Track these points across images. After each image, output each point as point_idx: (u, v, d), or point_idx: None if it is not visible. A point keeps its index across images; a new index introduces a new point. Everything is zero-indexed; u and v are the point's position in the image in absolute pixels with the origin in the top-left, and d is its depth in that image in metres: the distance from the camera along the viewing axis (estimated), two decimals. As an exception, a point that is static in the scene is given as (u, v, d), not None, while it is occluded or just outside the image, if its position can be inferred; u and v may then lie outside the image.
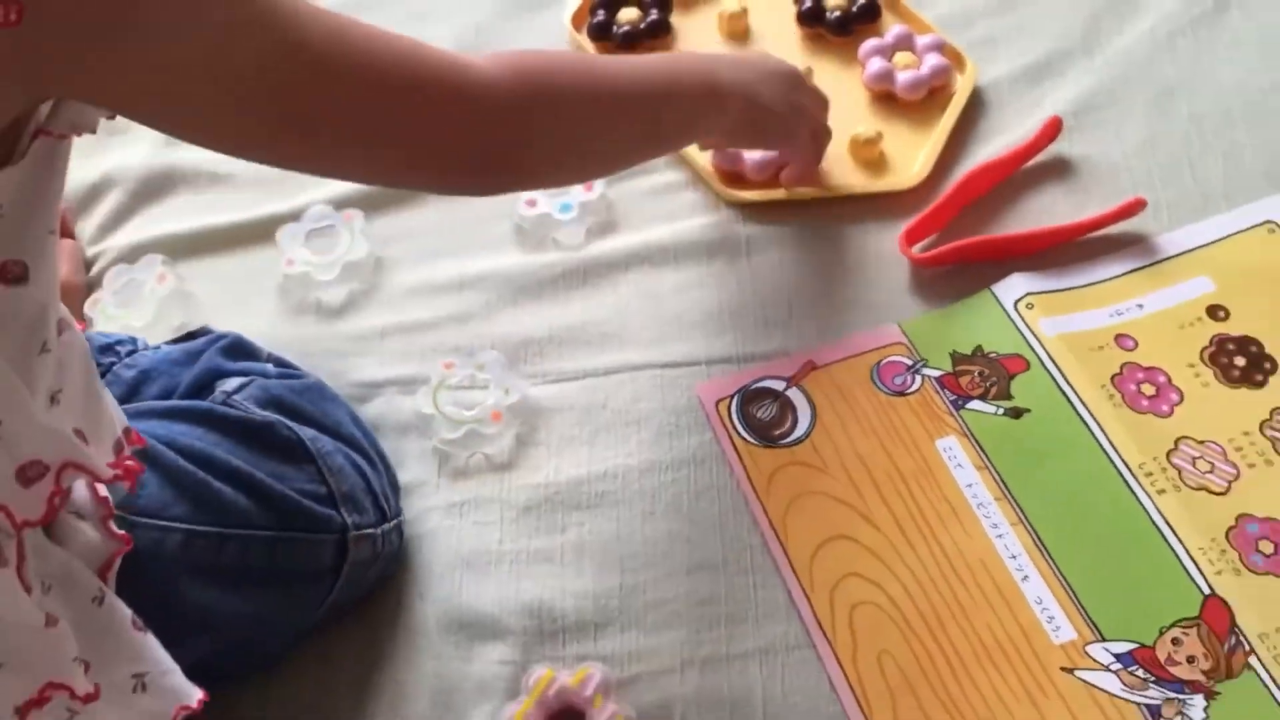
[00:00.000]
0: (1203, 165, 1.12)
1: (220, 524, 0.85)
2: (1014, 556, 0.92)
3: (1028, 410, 0.99)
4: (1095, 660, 0.88)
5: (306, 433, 0.92)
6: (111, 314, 1.10)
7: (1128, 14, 1.23)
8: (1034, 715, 0.86)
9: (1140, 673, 0.87)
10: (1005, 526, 0.94)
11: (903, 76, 1.18)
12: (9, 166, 0.63)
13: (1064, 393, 0.99)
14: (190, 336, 1.02)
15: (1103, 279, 1.06)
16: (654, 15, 1.25)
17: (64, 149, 0.67)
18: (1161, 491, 0.94)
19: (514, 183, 0.90)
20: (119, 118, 0.67)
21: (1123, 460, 0.95)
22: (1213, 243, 1.07)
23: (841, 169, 1.14)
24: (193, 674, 0.79)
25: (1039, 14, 1.24)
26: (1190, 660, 0.87)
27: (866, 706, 0.87)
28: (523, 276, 1.10)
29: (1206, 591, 0.89)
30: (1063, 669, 0.88)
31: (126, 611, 0.77)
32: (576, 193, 1.11)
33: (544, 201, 1.11)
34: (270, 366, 0.99)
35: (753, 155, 1.13)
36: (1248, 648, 0.87)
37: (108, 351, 0.98)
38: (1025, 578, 0.91)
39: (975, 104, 1.18)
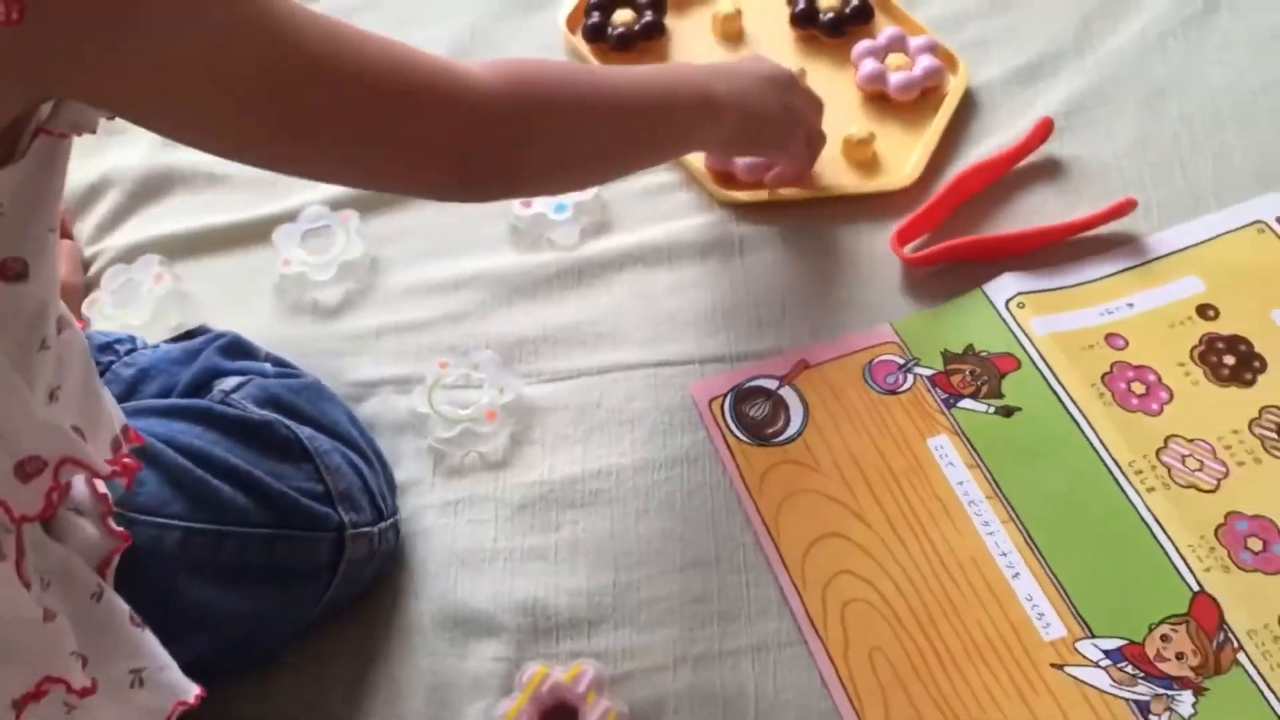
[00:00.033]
0: (1193, 165, 1.13)
1: (218, 521, 0.86)
2: (1005, 554, 0.93)
3: (1019, 409, 1.00)
4: (1085, 657, 0.88)
5: (304, 431, 0.93)
6: (109, 314, 1.11)
7: (1118, 15, 1.24)
8: (1024, 711, 0.87)
9: (1129, 669, 0.88)
10: (996, 524, 0.94)
11: (895, 77, 1.19)
12: (10, 165, 0.64)
13: (1055, 391, 1.00)
14: (189, 335, 1.02)
15: (1093, 278, 1.07)
16: (648, 17, 1.26)
17: (64, 148, 0.68)
18: (1151, 489, 0.94)
19: (506, 191, 0.90)
20: (118, 119, 0.68)
21: (1113, 458, 0.96)
22: (1202, 243, 1.08)
23: (834, 169, 1.15)
24: (190, 670, 0.80)
25: (1030, 16, 1.25)
26: (1179, 657, 0.88)
27: (858, 703, 0.88)
28: (517, 276, 1.11)
29: (1195, 588, 0.90)
30: (1053, 665, 0.88)
31: (125, 607, 0.78)
32: (571, 193, 1.12)
33: (539, 202, 1.12)
34: (268, 366, 1.00)
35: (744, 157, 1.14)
36: (1236, 644, 0.88)
37: (107, 350, 0.99)
38: (1016, 575, 0.92)
39: (967, 105, 1.19)
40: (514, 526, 0.98)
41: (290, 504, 0.88)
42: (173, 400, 0.94)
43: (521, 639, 0.92)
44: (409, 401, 1.03)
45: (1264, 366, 1.01)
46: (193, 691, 0.79)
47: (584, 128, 0.89)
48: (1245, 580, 0.90)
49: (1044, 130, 1.14)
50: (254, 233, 1.16)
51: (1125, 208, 1.08)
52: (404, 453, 1.02)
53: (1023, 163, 1.14)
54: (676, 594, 0.94)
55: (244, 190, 1.20)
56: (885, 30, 1.23)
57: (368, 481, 0.95)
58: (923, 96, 1.19)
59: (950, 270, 1.08)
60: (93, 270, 1.17)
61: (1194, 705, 0.86)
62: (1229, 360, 1.01)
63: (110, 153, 1.24)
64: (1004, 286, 1.06)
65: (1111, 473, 0.96)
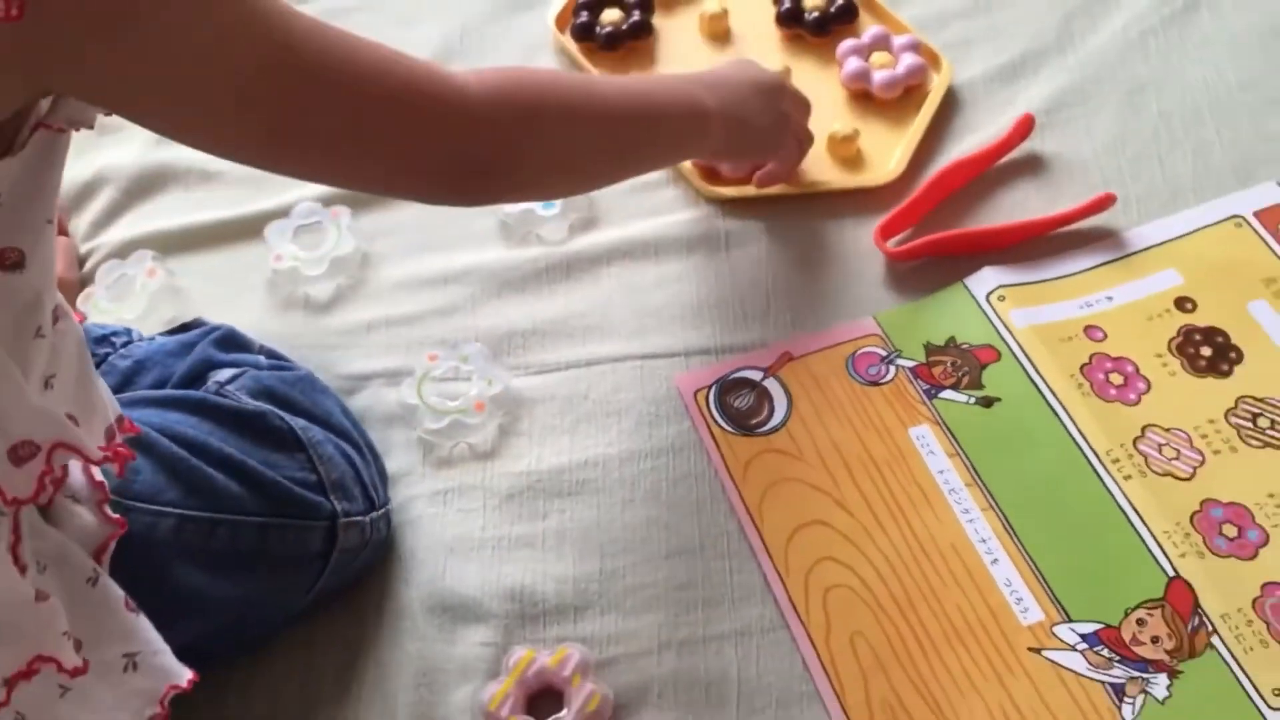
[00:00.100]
0: (1172, 161, 1.15)
1: (212, 509, 0.87)
2: (984, 540, 0.95)
3: (999, 399, 1.02)
4: (1062, 640, 0.90)
5: (297, 422, 0.94)
6: (104, 308, 1.12)
7: (1099, 14, 1.26)
8: (1002, 694, 0.88)
9: (1105, 652, 0.89)
10: (976, 512, 0.96)
11: (879, 75, 1.21)
12: (8, 157, 0.65)
13: (1034, 382, 1.02)
14: (184, 328, 1.04)
15: (1073, 272, 1.08)
16: (636, 17, 1.27)
17: (63, 142, 0.69)
18: (1128, 477, 0.96)
19: (493, 198, 0.92)
20: (114, 115, 0.69)
21: (1091, 447, 0.98)
22: (1181, 237, 1.10)
23: (819, 165, 1.16)
24: (183, 655, 0.81)
25: (1013, 15, 1.27)
26: (1154, 640, 0.89)
27: (839, 686, 0.90)
28: (506, 271, 1.13)
29: (1171, 574, 0.92)
30: (1030, 649, 0.90)
31: (119, 592, 0.79)
32: (559, 194, 1.14)
33: (527, 197, 1.14)
34: (262, 358, 1.01)
35: (729, 152, 1.15)
36: (1210, 628, 0.89)
37: (103, 342, 1.00)
38: (995, 561, 0.94)
39: (950, 102, 1.21)
40: (502, 515, 0.99)
41: (283, 493, 0.90)
42: (168, 391, 0.95)
43: (509, 625, 0.94)
44: (399, 394, 1.05)
45: (1240, 358, 1.02)
46: (185, 676, 0.80)
47: (572, 137, 0.90)
48: (1219, 566, 0.92)
49: (1025, 127, 1.16)
50: (246, 228, 1.18)
51: (1104, 203, 1.10)
52: (394, 444, 1.04)
53: (1004, 159, 1.16)
54: (661, 581, 0.95)
55: (236, 187, 1.21)
56: (869, 29, 1.25)
57: (360, 472, 0.96)
58: (906, 94, 1.21)
59: (932, 264, 1.10)
60: (88, 266, 1.19)
61: (1169, 687, 0.88)
62: (1206, 351, 1.03)
63: (105, 150, 1.25)
64: (985, 280, 1.07)
65: (1089, 461, 0.97)
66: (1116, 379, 1.02)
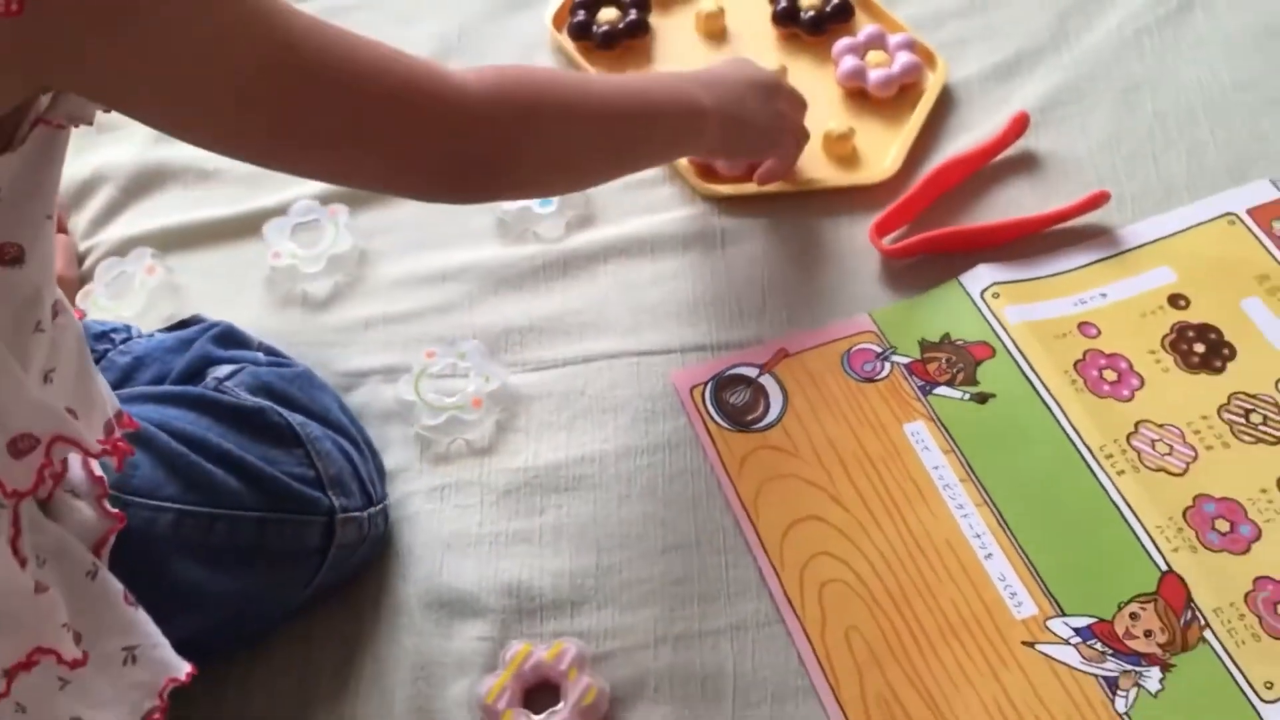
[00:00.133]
0: (1166, 160, 1.15)
1: (211, 504, 0.88)
2: (978, 535, 0.95)
3: (993, 395, 1.02)
4: (1055, 634, 0.91)
5: (295, 418, 0.95)
6: (103, 305, 1.13)
7: (1094, 13, 1.26)
8: (996, 687, 0.89)
9: (1099, 646, 0.90)
10: (970, 507, 0.97)
11: (875, 74, 1.21)
12: (8, 153, 0.65)
13: (1028, 378, 1.02)
14: (182, 325, 1.04)
15: (1067, 269, 1.09)
16: (633, 15, 1.28)
17: (62, 138, 0.70)
18: (1121, 473, 0.97)
19: (491, 195, 0.92)
20: (114, 112, 0.70)
21: (1084, 443, 0.98)
22: (1174, 234, 1.11)
23: (814, 163, 1.17)
24: (182, 649, 0.82)
25: (1008, 14, 1.27)
26: (1147, 634, 0.90)
27: (834, 680, 0.90)
28: (504, 268, 1.13)
29: (1164, 568, 0.92)
30: (1024, 643, 0.91)
31: (118, 586, 0.80)
32: (556, 192, 1.14)
33: (524, 195, 1.14)
34: (260, 355, 1.02)
35: (727, 152, 1.16)
36: (1203, 622, 0.90)
37: (103, 339, 1.01)
38: (989, 556, 0.94)
39: (945, 101, 1.21)
40: (499, 511, 1.00)
41: (281, 488, 0.90)
42: (167, 387, 0.96)
43: (506, 619, 0.94)
44: (396, 390, 1.05)
45: (1233, 354, 1.03)
46: (184, 669, 0.81)
47: (570, 135, 0.90)
48: (1212, 560, 0.93)
49: (1020, 125, 1.16)
50: (244, 226, 1.18)
51: (1098, 200, 1.10)
52: (392, 440, 1.04)
53: (999, 157, 1.16)
54: (658, 576, 0.96)
55: (235, 185, 1.22)
56: (865, 28, 1.25)
57: (358, 468, 0.97)
58: (901, 93, 1.22)
59: (927, 261, 1.10)
60: (87, 264, 1.19)
61: (1161, 681, 0.88)
62: (1199, 348, 1.04)
63: (103, 149, 1.26)
64: (980, 277, 1.08)
65: (1083, 457, 0.98)
66: (1110, 375, 1.02)
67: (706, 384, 1.04)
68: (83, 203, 1.24)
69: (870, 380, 1.04)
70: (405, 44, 0.79)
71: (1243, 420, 0.99)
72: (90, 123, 0.70)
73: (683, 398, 1.04)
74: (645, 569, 0.96)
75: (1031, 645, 0.90)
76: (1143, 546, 0.93)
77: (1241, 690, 0.87)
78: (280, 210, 1.17)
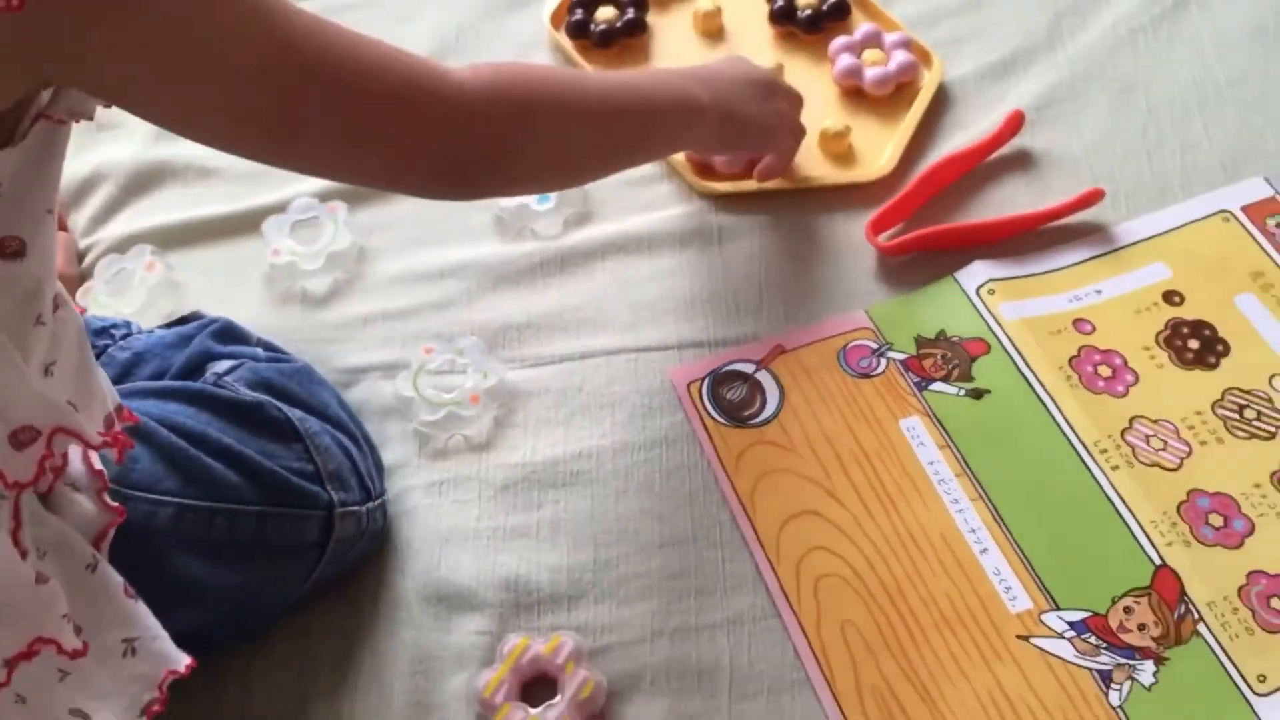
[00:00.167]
0: (1160, 157, 1.16)
1: (210, 498, 0.88)
2: (973, 530, 0.96)
3: (988, 391, 1.03)
4: (1050, 628, 0.91)
5: (294, 413, 0.95)
6: (103, 302, 1.13)
7: (1089, 12, 1.27)
8: (990, 680, 0.89)
9: (1093, 639, 0.90)
10: (965, 502, 0.97)
11: (871, 73, 1.22)
12: (9, 148, 0.66)
13: (1023, 374, 1.03)
14: (182, 321, 1.05)
15: (1062, 266, 1.09)
16: (630, 14, 1.28)
17: (63, 133, 0.70)
18: (1115, 468, 0.97)
19: (489, 191, 0.93)
20: (113, 112, 0.70)
21: (1079, 438, 0.99)
22: (1169, 231, 1.11)
23: (811, 161, 1.17)
24: (181, 642, 0.82)
25: (1003, 13, 1.28)
26: (1141, 628, 0.91)
27: (829, 673, 0.91)
28: (502, 265, 1.14)
29: (1158, 562, 0.93)
30: (1018, 636, 0.91)
31: (118, 579, 0.80)
32: (554, 188, 1.15)
33: (522, 193, 1.15)
34: (260, 350, 1.02)
35: (724, 150, 1.17)
36: (1196, 615, 0.91)
37: (103, 334, 1.01)
38: (984, 550, 0.95)
39: (941, 99, 1.22)
40: (497, 506, 1.00)
41: (280, 482, 0.91)
42: (166, 382, 0.96)
43: (504, 613, 0.95)
44: (395, 386, 1.06)
45: (1227, 350, 1.03)
46: (184, 661, 0.82)
47: (566, 130, 0.91)
48: (1206, 554, 0.93)
49: (1015, 123, 1.17)
50: (244, 224, 1.19)
51: (1093, 197, 1.11)
52: (390, 436, 1.05)
53: (995, 155, 1.17)
54: (655, 570, 0.96)
55: (234, 183, 1.22)
56: (861, 27, 1.26)
57: (356, 463, 0.97)
58: (897, 91, 1.22)
59: (923, 258, 1.11)
60: (87, 261, 1.20)
61: (1155, 674, 0.89)
62: (1193, 344, 1.04)
63: (103, 147, 1.26)
64: (975, 274, 1.09)
65: (1077, 452, 0.98)
66: (1105, 371, 1.03)
67: (703, 380, 1.05)
68: (83, 200, 1.24)
69: (866, 376, 1.04)
70: (403, 42, 0.79)
71: (1236, 416, 1.00)
72: (91, 118, 0.70)
73: (680, 394, 1.04)
74: (642, 563, 0.97)
75: (1026, 639, 0.91)
76: (1137, 541, 0.94)
77: (1235, 683, 0.88)
78: (279, 208, 1.18)
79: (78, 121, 0.70)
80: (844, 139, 1.18)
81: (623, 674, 0.92)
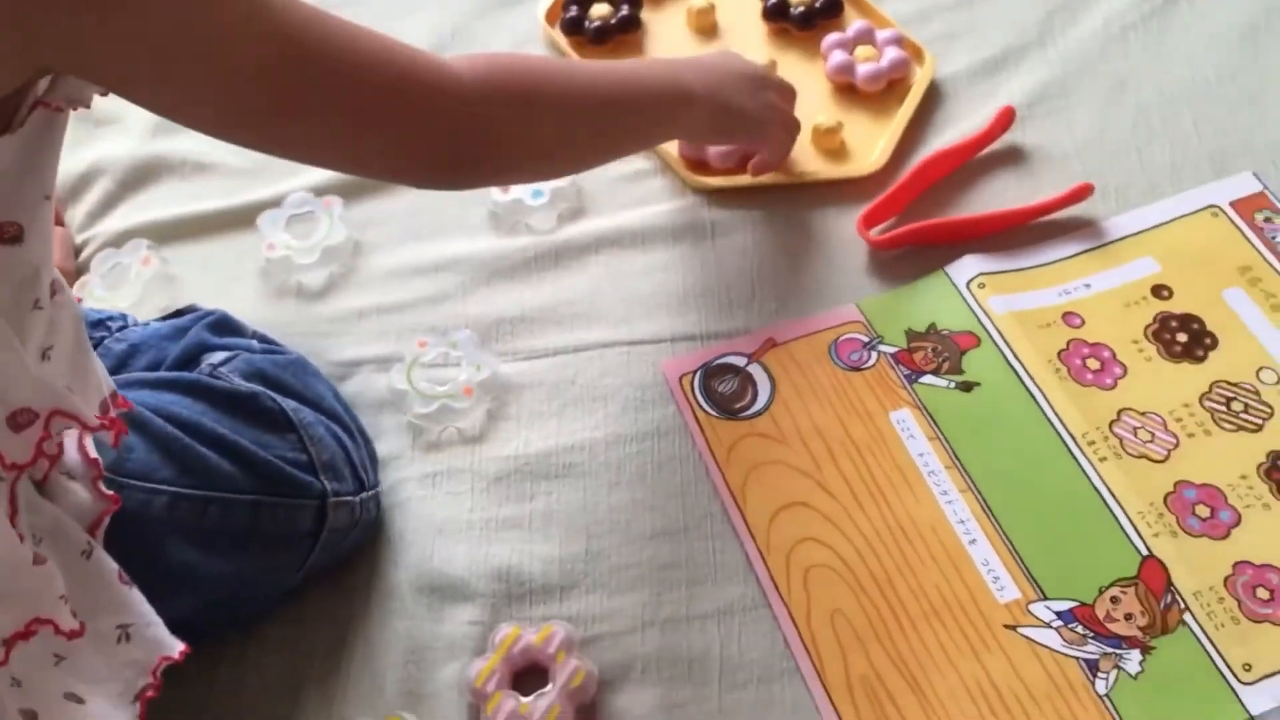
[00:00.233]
0: (1150, 152, 1.17)
1: (205, 487, 0.89)
2: (962, 521, 0.97)
3: (978, 384, 1.03)
4: (1037, 618, 0.92)
5: (289, 404, 0.96)
6: (99, 296, 1.14)
7: (1080, 9, 1.28)
8: (978, 669, 0.90)
9: (1080, 629, 0.91)
10: (955, 493, 0.98)
11: (863, 69, 1.23)
12: (7, 134, 0.67)
13: (1013, 367, 1.03)
14: (178, 314, 1.06)
15: (1052, 260, 1.10)
16: (624, 11, 1.29)
17: (61, 121, 0.71)
18: (1103, 459, 0.98)
19: (482, 180, 0.94)
20: (110, 107, 0.71)
21: (1067, 430, 1.00)
22: (1158, 226, 1.12)
23: (803, 156, 1.18)
24: (175, 630, 0.83)
25: (995, 10, 1.29)
26: (1128, 617, 0.91)
27: (819, 662, 0.91)
28: (496, 259, 1.14)
29: (1144, 553, 0.94)
30: (1006, 626, 0.92)
31: (113, 565, 0.81)
32: (548, 180, 1.16)
33: (516, 188, 1.16)
34: (255, 342, 1.03)
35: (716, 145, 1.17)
36: (1182, 605, 0.91)
37: (99, 326, 1.02)
38: (973, 541, 0.96)
39: (932, 95, 1.23)
40: (490, 498, 1.01)
41: (275, 471, 0.92)
42: (162, 373, 0.97)
43: (496, 604, 0.96)
44: (389, 379, 1.06)
45: (1215, 343, 1.04)
46: (178, 648, 0.82)
47: (558, 119, 0.92)
48: (1192, 545, 0.94)
49: (1006, 119, 1.18)
50: (240, 218, 1.20)
51: (1083, 192, 1.12)
52: (384, 428, 1.06)
53: (986, 150, 1.18)
54: (646, 561, 0.97)
55: (230, 178, 1.23)
56: (854, 23, 1.27)
57: (350, 453, 0.98)
58: (889, 87, 1.23)
59: (914, 252, 1.12)
60: (84, 256, 1.21)
61: (1141, 663, 0.89)
62: (1181, 338, 1.05)
63: (100, 142, 1.27)
64: (965, 267, 1.09)
65: (1066, 444, 0.99)
66: (1093, 364, 1.03)
67: (695, 373, 1.06)
68: (80, 195, 1.25)
69: (857, 369, 1.05)
70: (400, 39, 0.80)
71: (1224, 408, 1.01)
72: (88, 105, 0.71)
73: (672, 386, 1.05)
74: (634, 554, 0.97)
75: (1013, 628, 0.92)
76: (1124, 532, 0.95)
77: (1220, 672, 0.88)
78: (275, 202, 1.19)
79: (75, 109, 0.71)
80: (836, 134, 1.19)
81: (614, 663, 0.93)
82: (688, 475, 1.01)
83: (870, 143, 1.19)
